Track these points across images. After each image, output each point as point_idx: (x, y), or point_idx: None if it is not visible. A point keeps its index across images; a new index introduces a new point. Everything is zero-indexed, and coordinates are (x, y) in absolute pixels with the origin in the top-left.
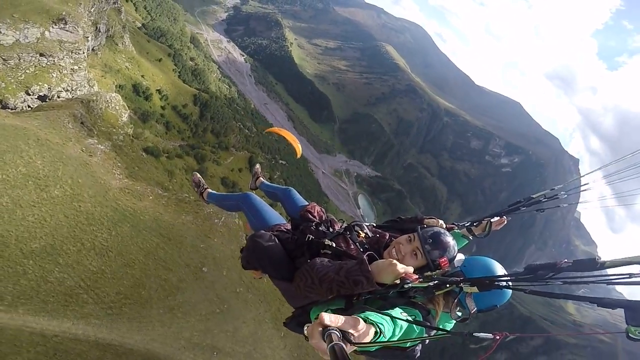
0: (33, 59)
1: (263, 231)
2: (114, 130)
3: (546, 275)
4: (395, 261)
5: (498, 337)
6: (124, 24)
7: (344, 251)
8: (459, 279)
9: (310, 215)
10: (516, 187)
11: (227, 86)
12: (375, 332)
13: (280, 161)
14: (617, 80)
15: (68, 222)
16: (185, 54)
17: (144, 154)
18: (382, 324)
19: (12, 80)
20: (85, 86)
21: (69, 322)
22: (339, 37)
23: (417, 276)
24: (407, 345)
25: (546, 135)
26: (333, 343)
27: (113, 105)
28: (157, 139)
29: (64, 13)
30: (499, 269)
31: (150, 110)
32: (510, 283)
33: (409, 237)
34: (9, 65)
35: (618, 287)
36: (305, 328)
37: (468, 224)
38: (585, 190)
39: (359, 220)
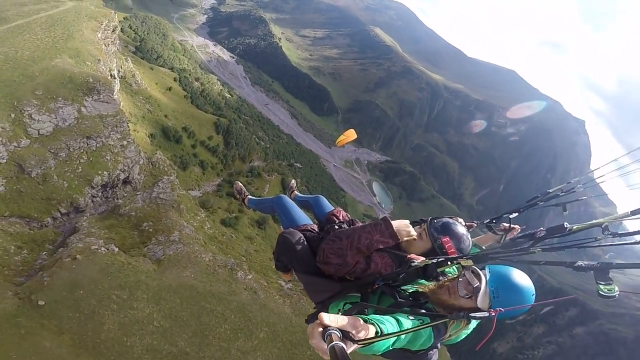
0: (82, 144)
1: (292, 229)
2: (197, 216)
3: (525, 244)
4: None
5: (494, 314)
6: (125, 56)
7: None
8: (457, 255)
9: (335, 218)
10: (526, 154)
11: (229, 95)
12: (376, 332)
13: (296, 164)
14: (605, 41)
15: (285, 355)
16: (190, 74)
17: (226, 231)
18: (383, 324)
19: (73, 176)
20: (137, 160)
21: None
22: (326, 25)
23: (422, 258)
24: (416, 349)
25: (547, 100)
26: (333, 343)
27: (169, 175)
28: (218, 200)
29: (91, 80)
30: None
31: (184, 154)
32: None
33: (419, 225)
34: (61, 159)
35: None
36: (308, 328)
37: (487, 221)
38: (602, 182)
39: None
